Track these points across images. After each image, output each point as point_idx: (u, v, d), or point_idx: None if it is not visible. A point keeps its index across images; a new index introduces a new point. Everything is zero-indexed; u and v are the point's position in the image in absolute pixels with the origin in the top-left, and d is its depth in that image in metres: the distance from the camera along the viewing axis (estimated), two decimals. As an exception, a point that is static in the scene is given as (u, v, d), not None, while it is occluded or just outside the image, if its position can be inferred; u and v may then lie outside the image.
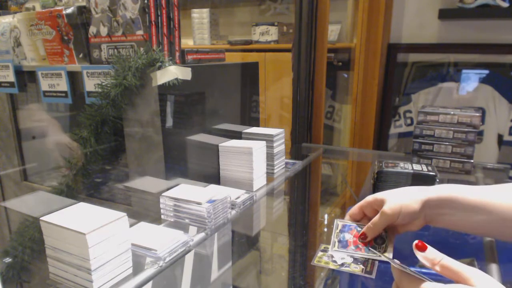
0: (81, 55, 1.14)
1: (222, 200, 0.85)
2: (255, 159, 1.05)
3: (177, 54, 1.06)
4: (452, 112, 1.26)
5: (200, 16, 2.90)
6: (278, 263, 1.19)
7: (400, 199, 0.63)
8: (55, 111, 1.51)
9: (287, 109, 2.23)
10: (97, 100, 1.00)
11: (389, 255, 0.64)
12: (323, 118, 1.76)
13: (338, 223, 0.73)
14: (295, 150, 1.68)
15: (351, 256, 0.68)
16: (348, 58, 2.38)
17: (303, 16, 1.61)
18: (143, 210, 1.05)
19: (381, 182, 1.14)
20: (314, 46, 1.67)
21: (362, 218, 0.73)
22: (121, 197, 1.20)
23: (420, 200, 0.63)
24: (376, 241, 0.67)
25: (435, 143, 1.29)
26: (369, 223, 0.66)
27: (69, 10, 1.11)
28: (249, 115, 1.39)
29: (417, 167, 1.14)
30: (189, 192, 0.87)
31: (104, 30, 1.06)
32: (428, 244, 0.49)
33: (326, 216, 1.37)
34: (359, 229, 0.71)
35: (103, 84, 0.98)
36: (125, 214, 0.66)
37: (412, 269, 0.48)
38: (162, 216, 0.87)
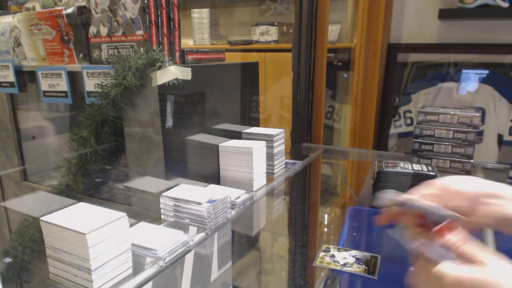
0: (81, 55, 1.14)
1: (222, 200, 0.85)
2: (255, 159, 1.05)
3: (177, 54, 1.06)
4: (452, 112, 1.26)
5: (200, 16, 2.90)
6: (278, 263, 1.19)
7: None
8: (55, 111, 1.51)
9: (287, 109, 2.23)
10: (97, 100, 1.00)
11: None
12: (323, 118, 1.76)
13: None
14: (295, 150, 1.68)
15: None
16: (348, 58, 2.38)
17: (303, 16, 1.61)
18: (143, 210, 1.05)
19: (381, 182, 1.14)
20: (314, 46, 1.67)
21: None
22: (121, 197, 1.20)
23: None
24: None
25: (435, 143, 1.29)
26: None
27: (69, 10, 1.11)
28: (249, 115, 1.39)
29: (417, 167, 1.14)
30: (189, 192, 0.87)
31: (104, 30, 1.06)
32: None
33: (326, 216, 1.37)
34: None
35: (103, 84, 0.98)
36: (125, 214, 0.66)
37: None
38: (162, 216, 0.87)
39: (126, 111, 1.01)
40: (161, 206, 0.86)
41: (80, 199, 0.87)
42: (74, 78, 1.16)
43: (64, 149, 1.10)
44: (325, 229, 1.27)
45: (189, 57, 1.10)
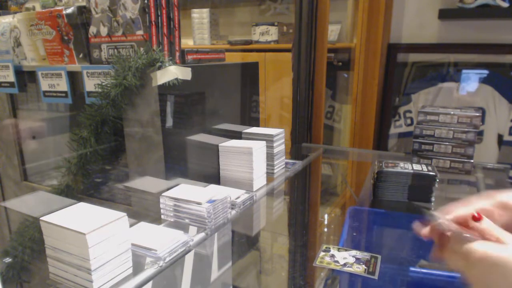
0: (81, 55, 1.14)
1: (222, 200, 0.85)
2: (255, 159, 1.05)
3: (177, 54, 1.06)
4: (452, 112, 1.26)
5: (200, 16, 2.90)
6: (278, 263, 1.19)
7: None
8: (55, 111, 1.51)
9: (287, 109, 2.23)
10: (97, 100, 1.00)
11: None
12: (323, 118, 1.77)
13: None
14: (295, 150, 1.68)
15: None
16: (348, 58, 2.38)
17: (303, 16, 1.61)
18: (143, 210, 1.05)
19: (381, 182, 1.14)
20: (314, 46, 1.67)
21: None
22: (121, 197, 1.20)
23: None
24: None
25: (435, 143, 1.29)
26: None
27: (69, 10, 1.11)
28: (249, 115, 1.39)
29: (417, 167, 1.14)
30: (189, 192, 0.87)
31: (104, 30, 1.06)
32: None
33: (326, 216, 1.37)
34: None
35: (103, 84, 0.98)
36: (125, 214, 0.66)
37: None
38: (162, 216, 0.87)
39: (126, 111, 1.01)
40: (161, 206, 0.86)
41: (80, 199, 0.87)
42: (74, 78, 1.16)
43: (64, 149, 1.10)
44: (325, 229, 1.27)
45: (189, 57, 1.10)
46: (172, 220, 0.86)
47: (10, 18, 1.27)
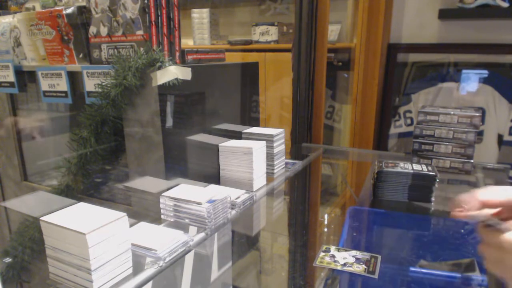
0: (81, 55, 1.14)
1: (222, 200, 0.85)
2: (255, 159, 1.05)
3: (177, 54, 1.06)
4: (452, 112, 1.26)
5: (200, 16, 2.90)
6: (278, 263, 1.19)
7: None
8: (55, 111, 1.51)
9: (287, 109, 2.23)
10: (97, 100, 1.00)
11: None
12: (323, 118, 1.77)
13: None
14: (295, 150, 1.68)
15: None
16: (348, 58, 2.38)
17: (303, 16, 1.61)
18: (143, 210, 1.05)
19: (381, 182, 1.14)
20: (314, 46, 1.67)
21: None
22: (121, 197, 1.20)
23: None
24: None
25: (435, 143, 1.29)
26: None
27: (69, 10, 1.11)
28: (249, 115, 1.39)
29: (417, 167, 1.14)
30: (189, 192, 0.87)
31: (104, 30, 1.06)
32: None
33: (326, 216, 1.37)
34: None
35: (103, 84, 0.98)
36: (125, 214, 0.66)
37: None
38: (162, 216, 0.87)
39: (126, 111, 1.01)
40: (161, 206, 0.86)
41: (80, 199, 0.87)
42: (74, 78, 1.16)
43: (64, 149, 1.10)
44: (325, 229, 1.27)
45: (189, 57, 1.10)
46: (172, 220, 0.86)
47: (10, 18, 1.27)
